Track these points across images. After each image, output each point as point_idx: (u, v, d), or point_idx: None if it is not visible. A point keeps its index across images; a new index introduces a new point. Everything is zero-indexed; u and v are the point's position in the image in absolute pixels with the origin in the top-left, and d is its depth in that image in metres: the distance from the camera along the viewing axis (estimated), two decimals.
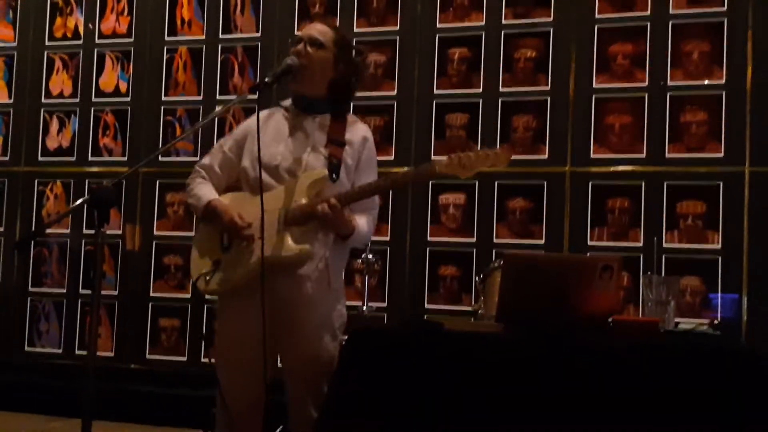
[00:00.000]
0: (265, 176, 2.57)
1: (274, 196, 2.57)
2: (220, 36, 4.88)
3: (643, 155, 4.13)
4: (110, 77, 5.05)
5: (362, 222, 2.64)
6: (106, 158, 5.01)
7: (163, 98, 4.94)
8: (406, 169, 2.63)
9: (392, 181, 2.58)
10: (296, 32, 2.72)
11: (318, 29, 2.68)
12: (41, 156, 5.13)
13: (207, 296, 2.71)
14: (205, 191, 2.68)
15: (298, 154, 2.61)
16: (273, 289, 2.52)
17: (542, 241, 4.23)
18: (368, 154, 2.69)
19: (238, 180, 2.71)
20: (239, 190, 2.70)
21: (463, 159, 2.48)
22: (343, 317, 2.67)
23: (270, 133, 2.66)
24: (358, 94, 4.47)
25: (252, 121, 2.70)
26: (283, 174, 2.60)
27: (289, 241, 2.52)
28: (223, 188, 2.72)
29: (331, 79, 2.66)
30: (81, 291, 4.96)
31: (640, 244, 4.07)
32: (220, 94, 4.83)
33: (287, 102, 2.74)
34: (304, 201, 2.54)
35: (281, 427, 2.78)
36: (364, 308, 3.67)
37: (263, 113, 2.71)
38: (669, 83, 4.12)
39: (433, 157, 4.37)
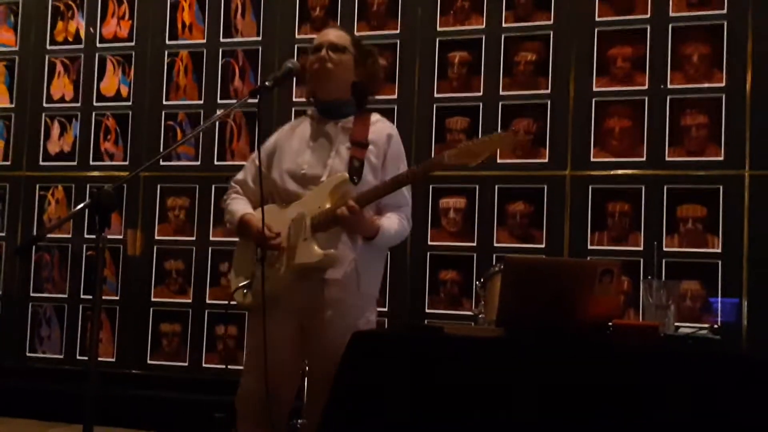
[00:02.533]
0: (292, 185, 2.62)
1: (301, 204, 2.59)
2: (221, 40, 4.88)
3: (643, 159, 4.13)
4: (111, 81, 5.06)
5: (391, 221, 2.63)
6: (108, 162, 5.01)
7: (164, 102, 4.94)
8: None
9: (405, 176, 2.57)
10: (317, 38, 2.72)
11: (335, 34, 2.71)
12: (42, 161, 5.14)
13: (245, 309, 2.75)
14: (238, 207, 2.70)
15: (322, 160, 2.64)
16: (302, 294, 2.55)
17: (542, 245, 4.23)
18: (394, 151, 2.70)
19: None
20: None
21: (471, 146, 2.49)
22: (371, 324, 2.65)
23: (295, 142, 2.70)
24: None
25: (280, 133, 2.77)
26: (309, 181, 2.62)
27: (315, 246, 2.53)
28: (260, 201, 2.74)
29: (353, 81, 2.69)
30: (82, 296, 4.95)
31: (640, 248, 4.07)
32: (221, 98, 4.84)
33: (311, 110, 2.76)
34: (328, 206, 2.55)
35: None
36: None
37: (289, 124, 2.79)
38: (669, 86, 4.13)
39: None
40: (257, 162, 2.73)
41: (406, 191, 2.68)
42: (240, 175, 2.79)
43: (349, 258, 2.58)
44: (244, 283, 2.61)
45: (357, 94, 2.71)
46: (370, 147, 2.64)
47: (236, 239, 2.78)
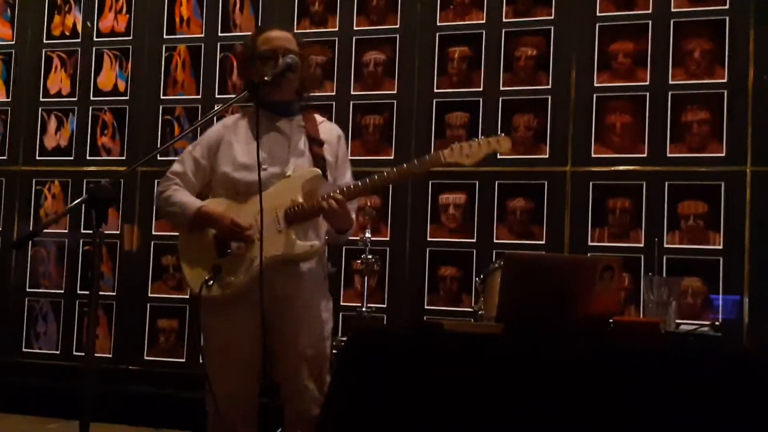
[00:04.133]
0: (250, 178, 2.59)
1: (267, 197, 2.55)
2: (219, 34, 4.87)
3: (645, 155, 4.12)
4: (108, 76, 5.04)
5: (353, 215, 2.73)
6: (105, 157, 5.00)
7: (162, 97, 4.93)
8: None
9: (398, 172, 2.61)
10: (263, 44, 2.69)
11: (287, 38, 2.71)
12: (39, 155, 5.12)
13: (206, 302, 2.68)
14: (188, 199, 2.67)
15: (281, 155, 2.65)
16: (272, 287, 2.54)
17: (543, 242, 4.22)
18: (343, 151, 2.79)
19: (207, 187, 2.73)
20: (205, 197, 2.72)
21: (465, 148, 2.56)
22: (330, 311, 2.73)
23: (243, 136, 2.69)
24: (359, 92, 4.54)
25: (221, 126, 2.75)
26: (270, 175, 2.61)
27: (296, 239, 2.57)
28: (195, 195, 2.72)
29: (298, 82, 2.71)
30: (79, 291, 4.95)
31: (641, 245, 4.06)
32: (218, 93, 4.83)
33: (252, 106, 2.70)
34: (300, 199, 2.57)
35: (279, 430, 2.77)
36: (364, 309, 3.66)
37: (230, 119, 2.78)
38: (670, 82, 4.11)
39: None
40: (196, 154, 2.71)
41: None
42: (178, 167, 2.73)
43: (319, 249, 2.66)
44: (209, 276, 2.57)
45: (301, 94, 2.75)
46: (325, 146, 2.71)
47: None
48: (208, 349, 2.66)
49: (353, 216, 2.71)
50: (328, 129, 2.77)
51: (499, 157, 4.18)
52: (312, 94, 2.85)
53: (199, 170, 2.70)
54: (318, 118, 2.78)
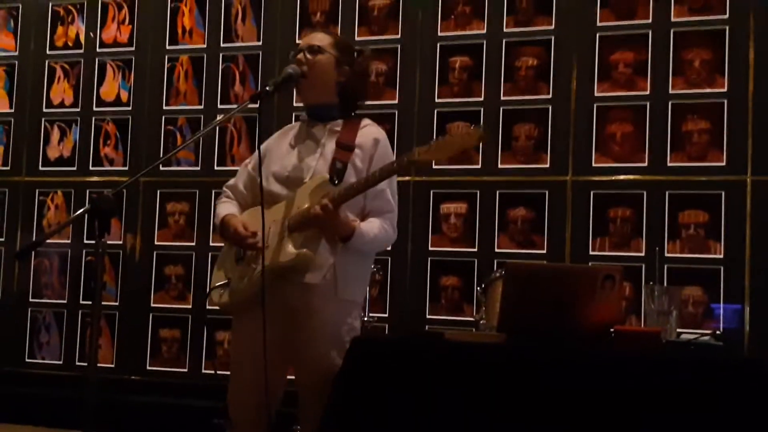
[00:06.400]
0: (276, 186, 2.61)
1: (283, 205, 2.57)
2: (221, 45, 4.88)
3: (645, 164, 4.13)
4: (111, 86, 5.06)
5: (371, 225, 2.58)
6: (107, 168, 5.01)
7: (164, 107, 4.94)
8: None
9: (378, 174, 2.50)
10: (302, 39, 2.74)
11: (315, 36, 2.69)
12: (42, 166, 5.13)
13: (222, 310, 2.75)
14: (222, 209, 2.70)
15: (306, 162, 2.62)
16: (282, 298, 2.52)
17: (544, 251, 4.22)
18: (381, 155, 2.62)
19: None
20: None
21: (440, 143, 2.42)
22: (354, 331, 2.61)
23: (284, 145, 2.69)
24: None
25: (272, 138, 2.77)
26: (293, 183, 2.60)
27: (289, 246, 2.51)
28: (250, 206, 2.70)
29: (338, 84, 2.65)
30: (81, 302, 4.95)
31: (642, 254, 4.06)
32: (221, 103, 4.84)
33: (303, 114, 2.75)
34: (306, 206, 2.52)
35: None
36: (366, 318, 3.66)
37: (286, 127, 2.80)
38: (670, 91, 4.12)
39: (434, 165, 4.38)
40: (249, 167, 2.74)
41: (391, 198, 2.63)
42: (231, 180, 2.80)
43: (329, 263, 2.54)
44: (221, 282, 2.61)
45: (343, 96, 2.67)
46: (357, 151, 2.60)
47: None
48: (231, 359, 2.71)
49: (356, 223, 2.54)
50: (366, 133, 2.64)
51: (500, 166, 4.27)
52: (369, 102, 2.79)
53: (249, 182, 2.71)
54: (363, 122, 2.68)
